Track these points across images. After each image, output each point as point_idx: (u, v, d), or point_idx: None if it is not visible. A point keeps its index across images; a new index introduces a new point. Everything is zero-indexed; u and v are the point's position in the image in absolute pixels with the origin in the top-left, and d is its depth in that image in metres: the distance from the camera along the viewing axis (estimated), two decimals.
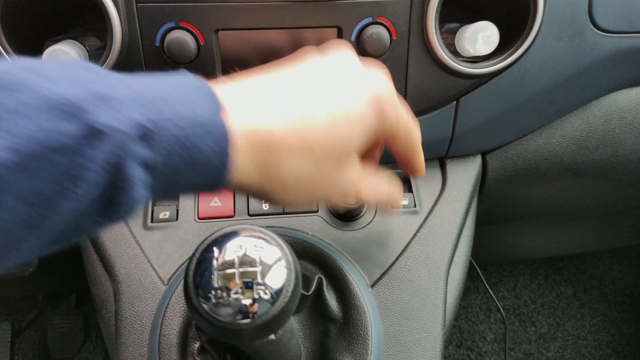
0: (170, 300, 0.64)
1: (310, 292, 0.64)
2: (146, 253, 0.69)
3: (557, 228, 1.32)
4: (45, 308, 1.53)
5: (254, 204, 0.73)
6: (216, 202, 0.73)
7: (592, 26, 0.70)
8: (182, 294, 0.61)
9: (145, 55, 0.63)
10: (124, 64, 0.63)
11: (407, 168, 0.57)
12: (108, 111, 0.33)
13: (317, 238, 0.70)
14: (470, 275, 1.06)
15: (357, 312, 0.65)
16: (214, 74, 0.65)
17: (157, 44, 0.63)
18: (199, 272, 0.38)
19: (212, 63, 0.64)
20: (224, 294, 0.37)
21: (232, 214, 0.73)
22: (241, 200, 0.74)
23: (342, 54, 0.49)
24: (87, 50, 0.64)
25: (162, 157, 0.35)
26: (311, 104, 0.43)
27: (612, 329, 1.67)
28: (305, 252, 0.68)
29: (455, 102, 0.72)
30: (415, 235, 0.73)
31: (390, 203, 0.56)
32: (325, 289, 0.65)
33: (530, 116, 0.77)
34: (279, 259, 0.39)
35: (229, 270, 0.37)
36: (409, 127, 0.50)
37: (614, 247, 1.64)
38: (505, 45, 0.68)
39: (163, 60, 0.64)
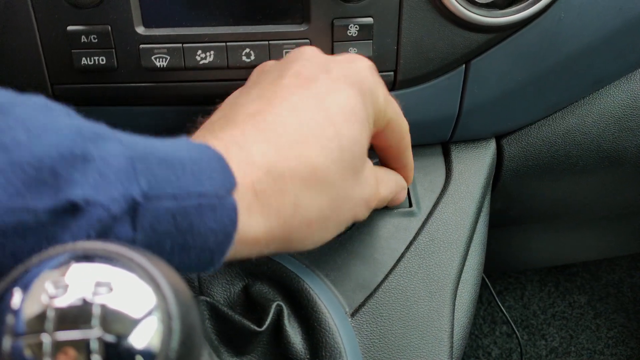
0: None
1: (265, 326, 0.47)
2: None
3: (575, 232, 1.20)
4: None
5: None
6: None
7: None
8: None
9: None
10: (6, 11, 0.46)
11: (400, 168, 0.52)
12: (89, 177, 0.27)
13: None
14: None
15: (331, 353, 0.48)
16: (131, 25, 0.47)
17: None
18: None
19: (128, 8, 0.47)
20: None
21: None
22: None
23: (303, 51, 0.44)
24: None
25: (143, 235, 0.29)
26: (300, 115, 0.38)
27: (631, 342, 1.58)
28: (259, 270, 0.50)
29: (464, 65, 0.55)
30: (411, 244, 0.56)
31: (403, 189, 0.53)
32: (286, 322, 0.48)
33: (563, 86, 0.60)
34: (149, 309, 0.20)
35: (32, 339, 0.19)
36: (396, 108, 0.46)
37: (637, 252, 1.52)
38: None
39: (59, 4, 0.46)
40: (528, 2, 0.51)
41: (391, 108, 0.45)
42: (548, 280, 1.63)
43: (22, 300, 0.19)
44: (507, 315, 1.09)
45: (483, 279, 0.88)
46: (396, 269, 0.54)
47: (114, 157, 0.28)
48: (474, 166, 0.62)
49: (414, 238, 0.56)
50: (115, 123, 0.54)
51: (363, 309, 0.51)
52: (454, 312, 0.54)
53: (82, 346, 0.19)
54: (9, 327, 0.19)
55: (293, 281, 0.49)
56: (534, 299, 1.61)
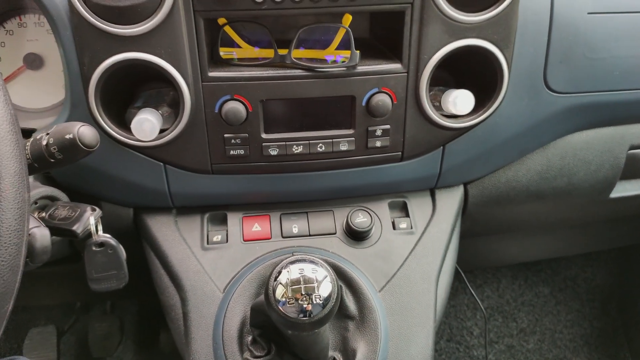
0: (228, 304, 0.84)
1: None
2: (205, 268, 0.89)
3: (533, 238, 1.51)
4: (81, 314, 1.73)
5: (286, 228, 0.94)
6: (257, 227, 0.94)
7: (546, 89, 0.91)
8: (238, 299, 0.81)
9: (207, 120, 0.84)
10: (191, 126, 0.84)
11: None
12: None
13: (336, 254, 0.90)
14: (459, 278, 1.24)
15: (369, 312, 0.84)
16: (259, 133, 0.86)
17: (216, 111, 0.83)
18: (276, 287, 0.59)
19: (258, 124, 0.85)
20: (293, 301, 0.58)
21: (269, 236, 0.93)
22: (276, 226, 0.94)
23: None
24: (161, 115, 0.85)
25: None
26: None
27: (584, 323, 1.82)
28: (330, 264, 0.88)
29: (442, 147, 0.92)
30: (412, 251, 0.93)
31: None
32: (344, 294, 0.85)
33: (500, 156, 0.98)
34: (326, 277, 0.59)
35: (296, 286, 0.58)
36: None
37: (583, 252, 1.80)
38: (480, 104, 0.89)
39: (220, 123, 0.84)
40: (477, 114, 0.89)
41: None
42: (519, 275, 1.88)
43: (288, 275, 0.58)
44: (480, 304, 1.38)
45: (460, 274, 1.23)
46: (403, 265, 0.91)
47: None
48: (450, 202, 1.00)
49: (414, 247, 0.93)
50: (246, 185, 0.92)
51: (385, 288, 0.89)
52: (437, 290, 0.92)
53: (308, 293, 0.58)
54: (287, 282, 0.58)
55: (347, 272, 0.88)
56: (507, 290, 1.85)
